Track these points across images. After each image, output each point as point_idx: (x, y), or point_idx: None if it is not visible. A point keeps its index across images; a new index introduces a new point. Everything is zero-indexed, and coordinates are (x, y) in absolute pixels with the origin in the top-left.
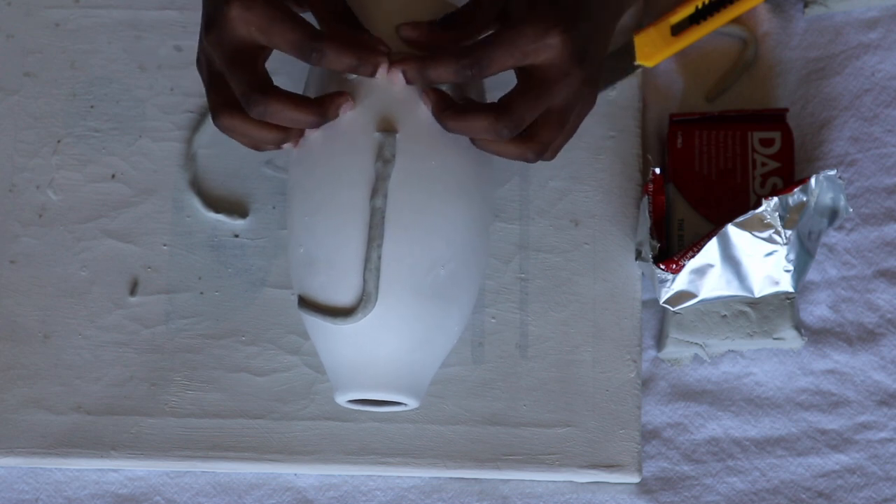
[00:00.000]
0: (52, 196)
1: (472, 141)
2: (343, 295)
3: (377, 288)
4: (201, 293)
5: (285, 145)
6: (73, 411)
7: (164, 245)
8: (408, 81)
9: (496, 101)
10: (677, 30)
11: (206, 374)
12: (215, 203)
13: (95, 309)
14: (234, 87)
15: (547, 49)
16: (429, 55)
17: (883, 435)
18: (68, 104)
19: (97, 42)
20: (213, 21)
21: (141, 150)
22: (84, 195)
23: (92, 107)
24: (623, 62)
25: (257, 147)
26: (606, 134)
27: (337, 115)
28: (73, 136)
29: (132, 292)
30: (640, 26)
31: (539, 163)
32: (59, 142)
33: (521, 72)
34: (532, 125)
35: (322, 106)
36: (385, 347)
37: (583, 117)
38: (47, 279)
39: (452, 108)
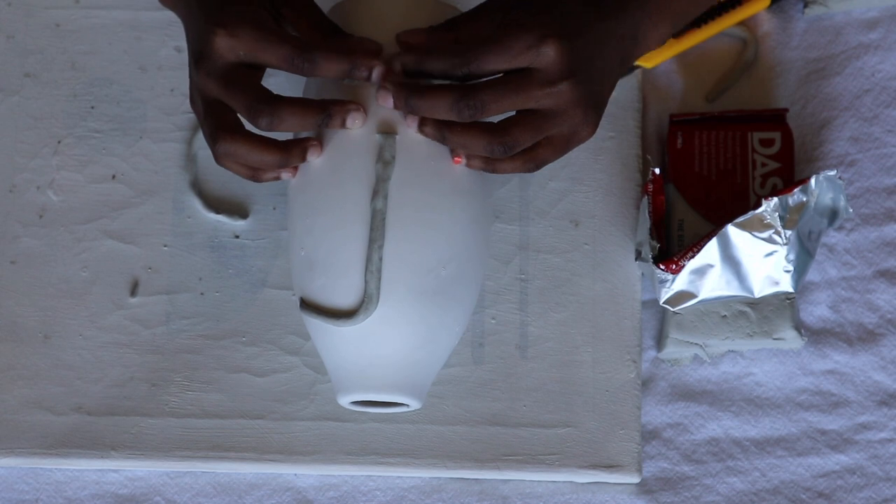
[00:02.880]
0: (52, 197)
1: (468, 161)
2: (344, 297)
3: (379, 289)
4: (202, 294)
5: (284, 174)
6: (74, 412)
7: (165, 246)
8: (405, 72)
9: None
10: (678, 32)
11: (207, 374)
12: (216, 204)
13: (96, 309)
14: (235, 105)
15: (541, 57)
16: (423, 50)
17: (883, 435)
18: (69, 105)
19: (97, 43)
20: (201, 55)
21: (141, 150)
22: (84, 196)
23: (92, 108)
24: None
25: (256, 176)
26: (606, 134)
27: (344, 123)
28: (73, 136)
29: (133, 293)
30: None
31: None
32: (59, 142)
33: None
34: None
35: (329, 109)
36: (387, 348)
37: (579, 141)
38: (47, 279)
39: (452, 124)
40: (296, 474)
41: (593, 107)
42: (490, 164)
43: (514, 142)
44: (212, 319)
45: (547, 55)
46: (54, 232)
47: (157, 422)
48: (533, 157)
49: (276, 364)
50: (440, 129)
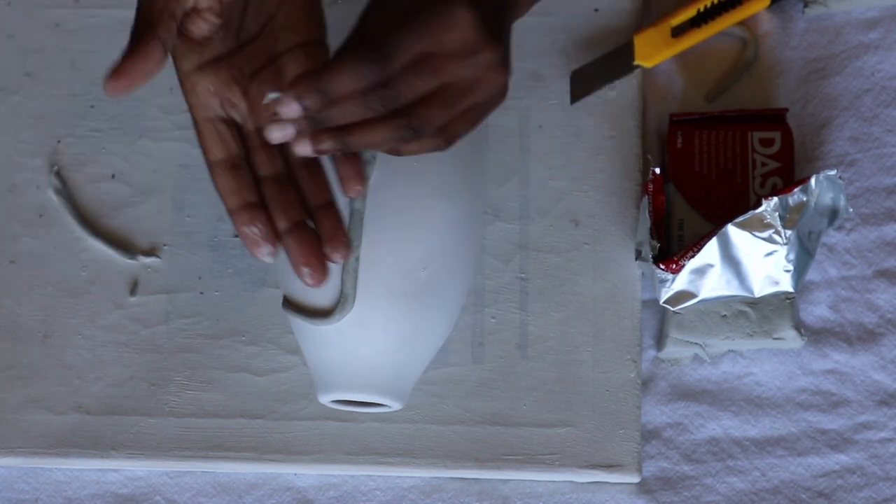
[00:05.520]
0: (52, 196)
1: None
2: (321, 296)
3: (355, 289)
4: (201, 293)
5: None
6: (74, 411)
7: (165, 245)
8: (304, 106)
9: None
10: (678, 32)
11: (206, 374)
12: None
13: (95, 309)
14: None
15: (456, 28)
16: (325, 66)
17: (883, 435)
18: (68, 104)
19: (97, 42)
20: None
21: (141, 149)
22: (84, 195)
23: (92, 107)
24: (622, 61)
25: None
26: (606, 134)
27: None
28: (73, 136)
29: (132, 292)
30: (640, 26)
31: (539, 163)
32: (59, 142)
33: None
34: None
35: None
36: (365, 349)
37: (495, 106)
38: (47, 279)
39: (350, 127)
40: (296, 474)
41: (507, 67)
42: (393, 149)
43: (423, 125)
44: (211, 319)
45: (463, 25)
46: (54, 231)
47: (157, 421)
48: (446, 135)
49: (276, 363)
50: (339, 138)
